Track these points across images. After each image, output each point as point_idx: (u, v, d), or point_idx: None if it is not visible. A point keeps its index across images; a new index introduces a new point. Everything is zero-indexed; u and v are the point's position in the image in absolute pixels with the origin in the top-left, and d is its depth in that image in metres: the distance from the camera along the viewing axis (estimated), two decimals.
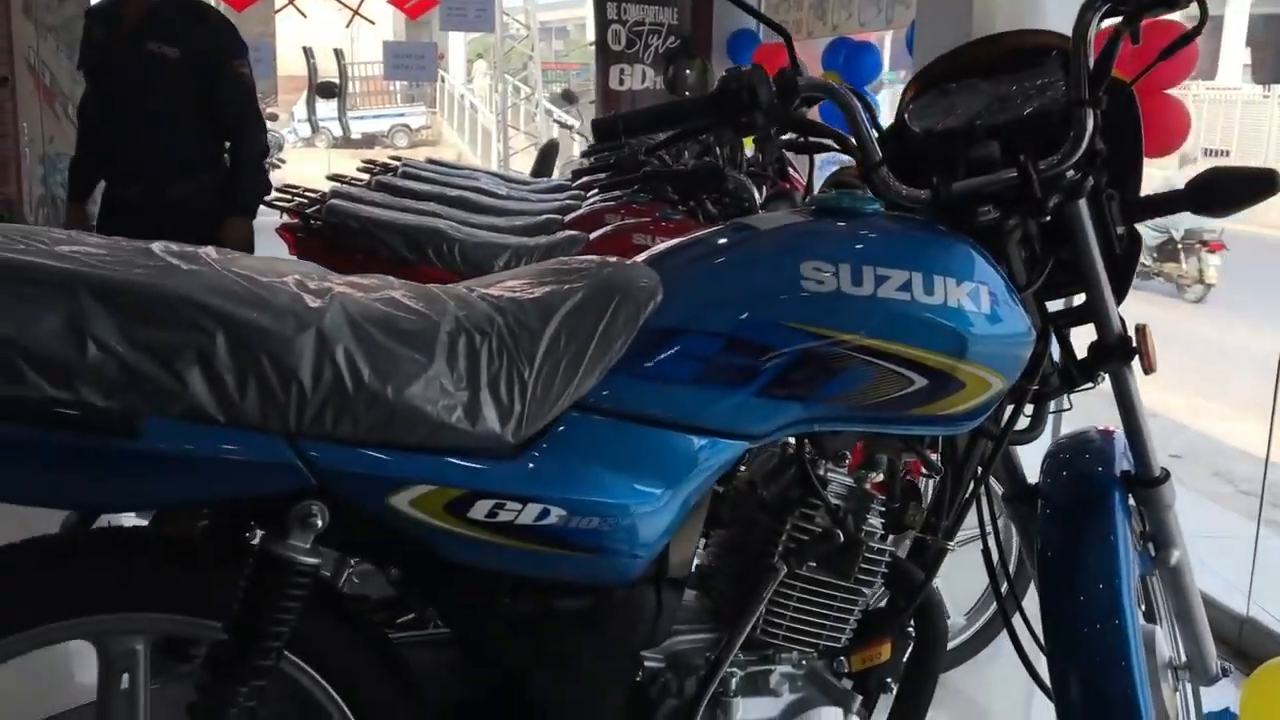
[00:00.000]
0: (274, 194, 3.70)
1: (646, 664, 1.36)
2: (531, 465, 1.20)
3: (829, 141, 1.61)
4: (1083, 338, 1.59)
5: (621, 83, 6.51)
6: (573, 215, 4.19)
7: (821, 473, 1.41)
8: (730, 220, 1.47)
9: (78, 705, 1.30)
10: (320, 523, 1.12)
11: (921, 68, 1.68)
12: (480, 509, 1.17)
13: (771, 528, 1.42)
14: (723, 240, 1.37)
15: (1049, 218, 1.47)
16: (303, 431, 1.10)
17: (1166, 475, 1.63)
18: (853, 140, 1.49)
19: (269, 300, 1.09)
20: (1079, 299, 1.59)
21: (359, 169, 5.29)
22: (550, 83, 18.62)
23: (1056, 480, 1.66)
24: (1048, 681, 1.65)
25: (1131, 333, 1.55)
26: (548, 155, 6.44)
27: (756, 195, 2.90)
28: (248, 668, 1.13)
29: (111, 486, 1.06)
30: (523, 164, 14.28)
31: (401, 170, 5.12)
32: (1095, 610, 1.57)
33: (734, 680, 1.36)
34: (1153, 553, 1.68)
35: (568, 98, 8.25)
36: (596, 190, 4.84)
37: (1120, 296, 1.55)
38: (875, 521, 1.43)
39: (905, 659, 1.51)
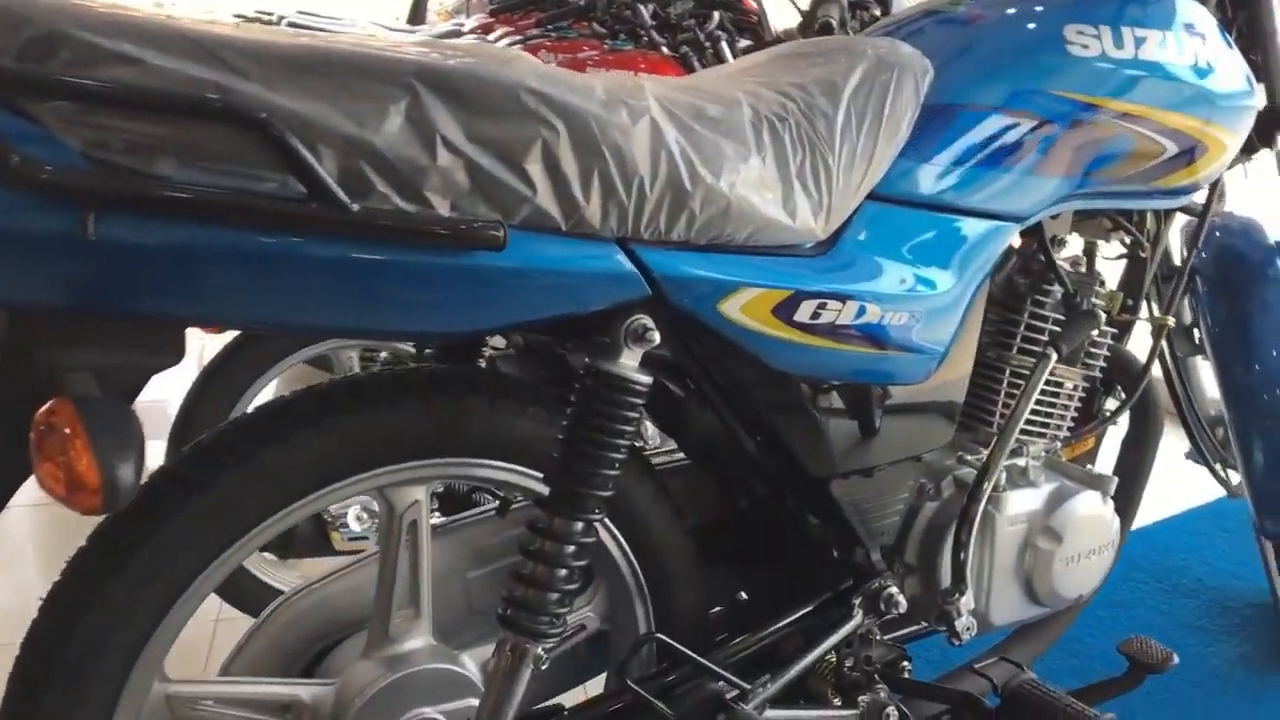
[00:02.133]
0: None
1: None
2: (842, 261, 1.11)
3: None
4: None
5: None
6: None
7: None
8: None
9: (363, 556, 1.18)
10: (657, 336, 1.01)
11: None
12: (805, 310, 1.08)
13: (1006, 319, 1.38)
14: (971, 10, 1.28)
15: None
16: (639, 235, 0.98)
17: None
18: None
19: (595, 88, 0.96)
20: None
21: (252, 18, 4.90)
22: None
23: (1214, 258, 1.66)
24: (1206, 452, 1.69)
25: None
26: (421, 1, 6.09)
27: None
28: (590, 498, 1.03)
29: (464, 309, 0.92)
30: None
31: (288, 20, 4.75)
32: (1273, 376, 1.59)
33: (1001, 476, 1.32)
34: None
35: None
36: (500, 32, 4.58)
37: None
38: (1099, 304, 1.40)
39: (1122, 445, 1.51)
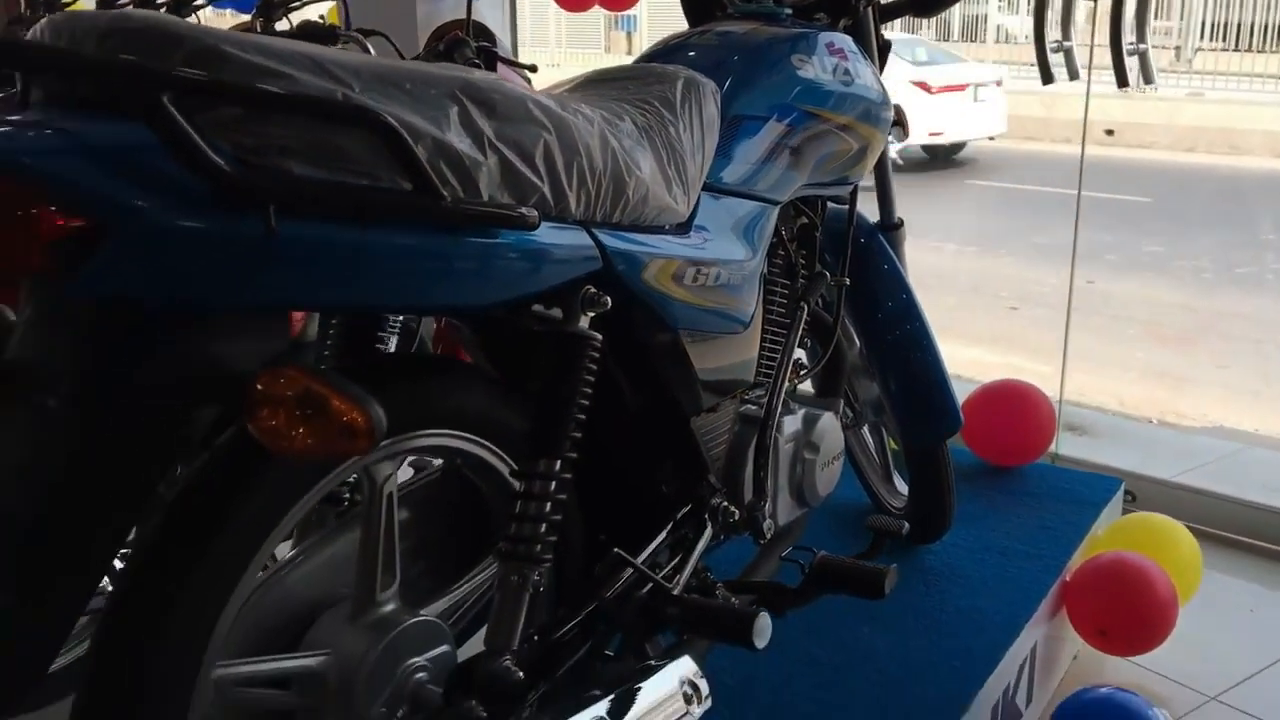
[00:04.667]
0: None
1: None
2: (700, 237, 1.41)
3: None
4: None
5: None
6: None
7: None
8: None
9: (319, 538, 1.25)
10: (609, 301, 1.24)
11: None
12: (689, 275, 1.36)
13: None
14: (722, 42, 1.62)
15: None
16: (593, 219, 1.21)
17: (903, 222, 2.21)
18: None
19: (551, 98, 1.17)
20: None
21: None
22: None
23: (829, 235, 2.13)
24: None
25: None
26: None
27: None
28: (566, 440, 1.22)
29: (503, 282, 1.10)
30: None
31: None
32: (897, 317, 2.11)
33: (779, 407, 1.67)
34: None
35: None
36: None
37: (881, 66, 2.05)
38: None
39: (820, 379, 1.93)
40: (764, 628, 1.32)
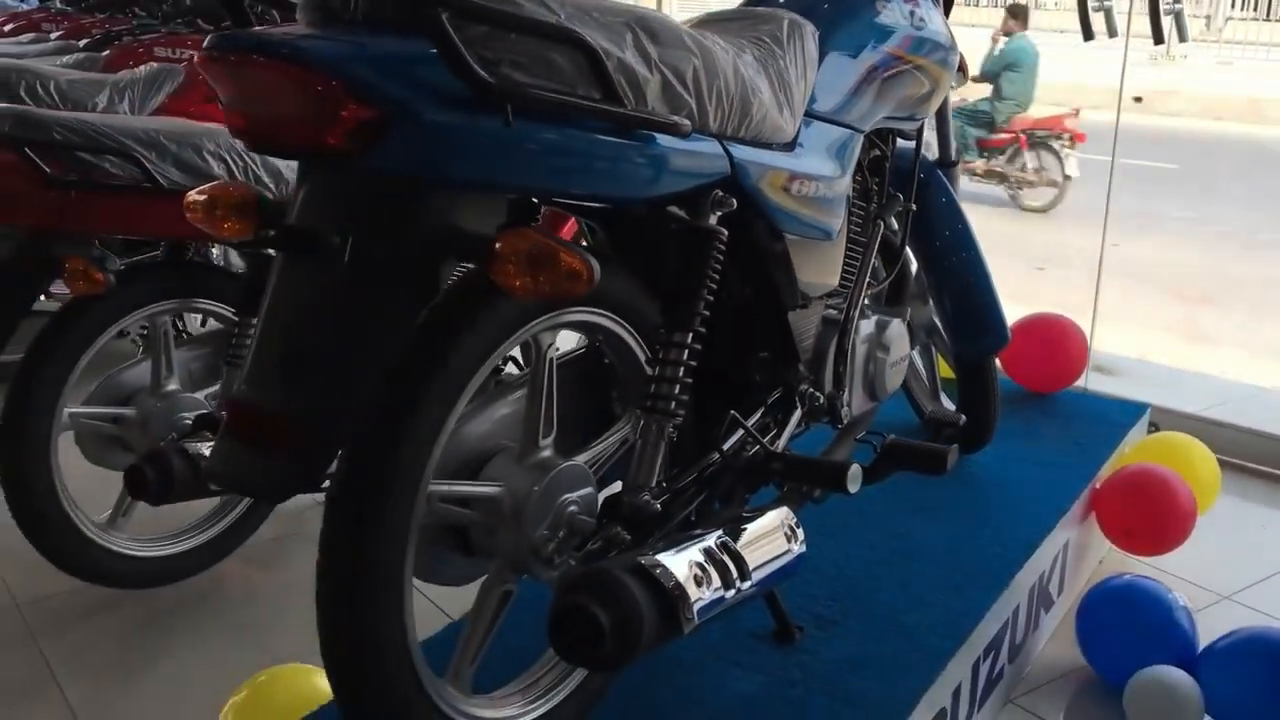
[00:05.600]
0: None
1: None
2: (802, 154, 1.66)
3: None
4: None
5: None
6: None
7: None
8: None
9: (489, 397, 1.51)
10: (735, 202, 1.49)
11: None
12: (795, 186, 1.61)
13: None
14: None
15: None
16: (724, 133, 1.47)
17: (960, 158, 2.45)
18: None
19: (691, 30, 1.42)
20: None
21: None
22: None
23: (897, 169, 2.39)
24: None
25: None
26: None
27: None
28: (696, 317, 1.48)
29: (658, 179, 1.35)
30: None
31: None
32: (954, 244, 2.36)
33: (856, 312, 1.93)
34: None
35: None
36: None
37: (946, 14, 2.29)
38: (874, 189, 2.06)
39: (885, 299, 2.19)
40: (856, 474, 1.58)
